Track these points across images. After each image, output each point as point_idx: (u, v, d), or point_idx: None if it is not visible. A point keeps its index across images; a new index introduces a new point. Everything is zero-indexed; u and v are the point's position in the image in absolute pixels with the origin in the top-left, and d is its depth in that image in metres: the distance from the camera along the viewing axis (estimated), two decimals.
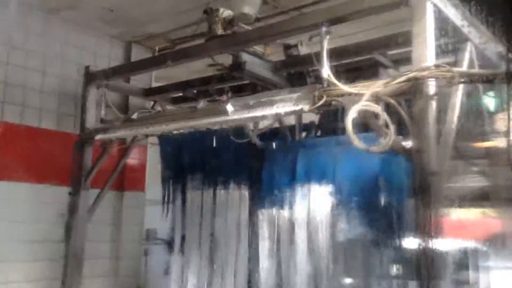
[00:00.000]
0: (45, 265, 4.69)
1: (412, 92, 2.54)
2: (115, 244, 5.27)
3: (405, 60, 3.17)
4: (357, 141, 2.63)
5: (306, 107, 2.90)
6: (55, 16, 4.90)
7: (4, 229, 4.46)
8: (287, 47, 3.67)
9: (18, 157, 4.60)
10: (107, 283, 5.15)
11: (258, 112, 3.18)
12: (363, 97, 2.65)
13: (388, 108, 2.68)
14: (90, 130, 4.34)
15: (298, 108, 2.94)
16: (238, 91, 4.26)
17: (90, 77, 4.47)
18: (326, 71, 2.81)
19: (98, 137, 4.22)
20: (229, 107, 3.25)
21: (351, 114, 2.59)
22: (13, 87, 4.64)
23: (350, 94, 2.74)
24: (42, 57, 4.88)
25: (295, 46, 3.62)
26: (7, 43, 4.62)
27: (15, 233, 4.52)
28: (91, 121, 4.41)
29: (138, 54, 5.51)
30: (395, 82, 2.61)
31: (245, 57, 3.58)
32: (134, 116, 4.04)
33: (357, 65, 3.60)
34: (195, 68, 4.83)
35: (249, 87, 4.22)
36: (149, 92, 5.03)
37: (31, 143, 4.70)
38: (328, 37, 2.88)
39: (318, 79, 2.99)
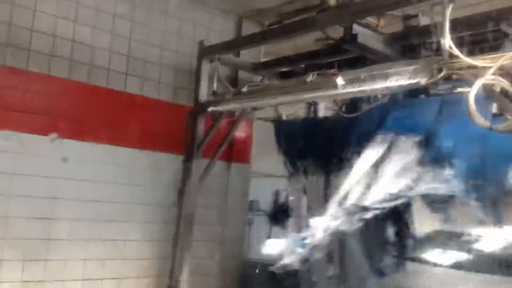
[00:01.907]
0: (159, 227, 5.06)
1: None
2: (222, 212, 5.54)
3: None
4: (479, 118, 2.47)
5: (423, 80, 2.77)
6: None
7: (126, 192, 4.87)
8: (406, 18, 3.50)
9: (139, 126, 4.97)
10: (214, 247, 5.45)
11: (370, 86, 3.10)
12: (488, 71, 2.46)
13: None
14: (203, 102, 4.56)
15: (414, 81, 2.82)
16: (347, 66, 4.17)
17: (203, 51, 4.68)
18: (448, 42, 2.65)
19: (210, 109, 4.41)
20: (339, 80, 3.21)
21: (475, 89, 2.43)
22: (135, 61, 5.01)
23: (474, 67, 2.56)
24: (162, 33, 5.19)
25: (415, 16, 3.43)
26: (130, 19, 4.98)
27: (135, 196, 4.92)
28: (203, 94, 4.63)
29: (248, 29, 5.61)
30: None
31: (357, 29, 3.49)
32: (244, 89, 4.15)
33: (481, 37, 3.32)
34: (303, 44, 4.81)
35: (359, 62, 4.10)
36: (257, 67, 5.11)
37: (150, 113, 5.05)
38: (451, 5, 2.70)
39: (436, 52, 2.83)
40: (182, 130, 4.72)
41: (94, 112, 4.70)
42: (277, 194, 7.16)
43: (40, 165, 4.36)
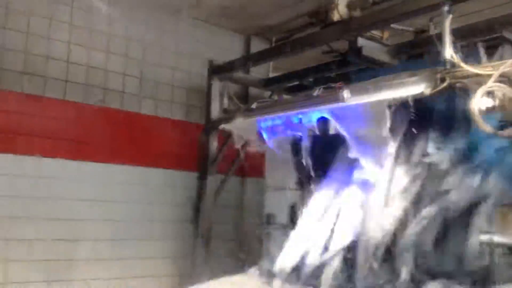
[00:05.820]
0: (177, 243, 5.14)
1: None
2: (238, 227, 5.61)
3: None
4: (484, 125, 2.51)
5: (427, 91, 2.81)
6: (183, 14, 5.33)
7: (143, 210, 4.98)
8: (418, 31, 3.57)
9: (154, 146, 5.10)
10: (233, 262, 5.48)
11: (375, 97, 3.14)
12: (491, 78, 2.50)
13: None
14: (215, 120, 4.65)
15: (418, 91, 2.86)
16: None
17: (213, 70, 4.78)
18: (449, 52, 2.70)
19: (221, 126, 4.50)
20: (346, 93, 3.25)
21: (478, 96, 2.48)
22: (148, 82, 5.16)
23: (476, 75, 2.60)
24: (173, 54, 5.34)
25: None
26: (142, 42, 5.13)
27: (152, 214, 5.03)
28: (215, 112, 4.72)
29: (257, 46, 5.72)
30: None
31: (362, 42, 3.56)
32: (254, 105, 4.22)
33: (484, 45, 3.36)
34: (310, 57, 4.88)
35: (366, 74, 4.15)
36: (267, 83, 5.19)
37: (164, 132, 5.18)
38: (451, 16, 2.75)
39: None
40: (195, 148, 4.83)
41: (108, 134, 4.84)
42: (293, 206, 7.14)
43: (60, 188, 4.50)
